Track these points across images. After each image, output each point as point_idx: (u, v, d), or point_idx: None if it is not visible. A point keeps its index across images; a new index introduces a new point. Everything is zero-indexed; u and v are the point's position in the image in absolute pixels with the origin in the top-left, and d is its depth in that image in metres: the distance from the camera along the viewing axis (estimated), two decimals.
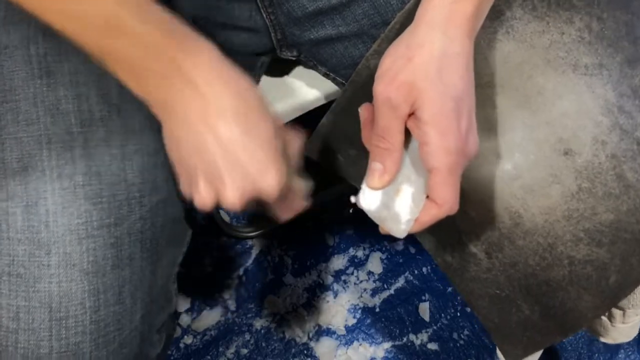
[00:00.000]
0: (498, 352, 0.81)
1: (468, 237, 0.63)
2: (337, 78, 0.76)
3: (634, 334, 0.80)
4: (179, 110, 0.52)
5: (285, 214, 0.61)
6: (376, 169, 0.56)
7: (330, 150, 0.70)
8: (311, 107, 0.85)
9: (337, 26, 0.70)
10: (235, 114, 0.51)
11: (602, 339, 0.79)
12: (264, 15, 0.70)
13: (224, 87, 0.51)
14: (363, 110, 0.59)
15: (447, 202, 0.54)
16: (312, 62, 0.76)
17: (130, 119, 0.60)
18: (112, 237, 0.58)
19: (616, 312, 0.74)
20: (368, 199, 0.57)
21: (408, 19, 0.63)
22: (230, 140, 0.51)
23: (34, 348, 0.56)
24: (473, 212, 0.62)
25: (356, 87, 0.67)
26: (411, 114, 0.53)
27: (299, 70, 0.85)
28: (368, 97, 0.66)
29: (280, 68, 0.85)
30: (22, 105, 0.58)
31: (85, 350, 0.57)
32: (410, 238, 1.31)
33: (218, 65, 0.52)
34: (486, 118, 0.62)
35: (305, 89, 0.84)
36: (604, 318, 0.77)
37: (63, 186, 0.57)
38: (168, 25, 0.50)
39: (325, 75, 0.77)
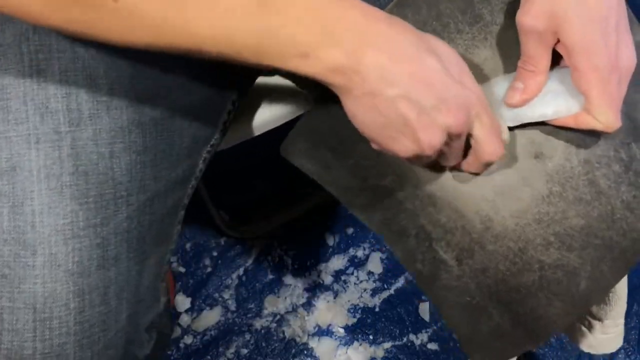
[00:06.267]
0: None
1: (438, 244, 0.63)
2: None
3: (618, 345, 0.79)
4: (363, 63, 0.51)
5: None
6: (518, 88, 0.59)
7: (305, 152, 0.70)
8: (293, 116, 0.84)
9: None
10: (418, 46, 0.52)
11: (585, 349, 0.78)
12: None
13: (398, 30, 0.52)
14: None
15: (606, 121, 0.56)
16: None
17: (119, 117, 0.60)
18: (98, 237, 0.58)
19: (595, 323, 0.73)
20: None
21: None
22: (427, 70, 0.52)
23: (17, 349, 0.57)
24: (444, 218, 0.62)
25: None
26: (559, 41, 0.56)
27: None
28: None
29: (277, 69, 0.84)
30: (12, 104, 0.58)
31: (70, 352, 0.57)
32: None
33: (379, 13, 0.52)
34: None
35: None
36: (584, 328, 0.76)
37: (50, 186, 0.57)
38: None
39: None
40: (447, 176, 0.62)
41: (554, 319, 0.60)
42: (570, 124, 0.59)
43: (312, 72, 0.51)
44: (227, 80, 0.73)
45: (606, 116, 0.56)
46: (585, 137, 0.60)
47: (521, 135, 0.61)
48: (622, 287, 0.71)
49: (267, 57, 0.51)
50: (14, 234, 0.57)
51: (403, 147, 0.54)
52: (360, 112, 0.54)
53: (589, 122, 0.57)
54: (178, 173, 0.66)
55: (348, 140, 0.66)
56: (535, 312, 0.60)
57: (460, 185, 0.62)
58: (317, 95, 0.69)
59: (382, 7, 0.66)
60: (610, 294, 0.71)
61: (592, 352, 0.78)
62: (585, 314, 0.74)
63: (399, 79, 0.51)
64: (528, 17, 0.56)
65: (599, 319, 0.72)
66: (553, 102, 0.58)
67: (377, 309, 1.26)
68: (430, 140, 0.53)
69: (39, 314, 0.56)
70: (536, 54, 0.57)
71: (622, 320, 0.74)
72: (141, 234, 0.62)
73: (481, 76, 0.63)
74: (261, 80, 0.83)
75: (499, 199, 0.60)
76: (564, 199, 0.59)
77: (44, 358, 0.57)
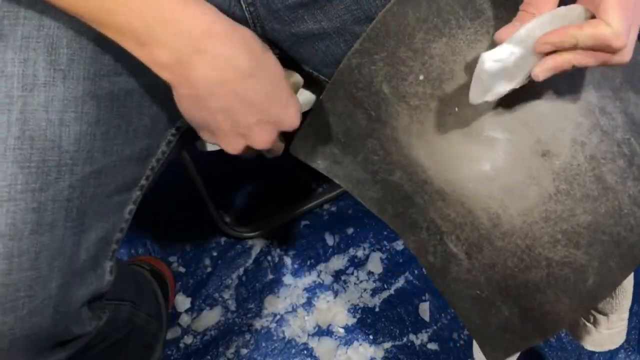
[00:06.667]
0: (475, 353, 0.81)
1: (449, 238, 0.63)
2: (321, 77, 0.76)
3: (621, 340, 0.79)
4: (191, 73, 0.55)
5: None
6: (514, 25, 0.57)
7: (314, 150, 0.70)
8: (305, 109, 0.84)
9: (318, 21, 0.69)
10: (251, 70, 0.57)
11: (589, 347, 0.78)
12: (243, 7, 0.70)
13: (236, 47, 0.56)
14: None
15: (617, 25, 0.52)
16: (295, 60, 0.76)
17: (75, 87, 0.60)
18: (34, 202, 0.58)
19: (601, 318, 0.73)
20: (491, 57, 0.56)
21: (390, 19, 0.63)
22: (253, 94, 0.57)
23: None
24: (453, 213, 0.62)
25: (338, 86, 0.67)
26: None
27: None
28: (350, 95, 0.66)
29: None
30: None
31: None
32: None
33: (224, 25, 0.57)
34: (464, 119, 0.62)
35: (302, 89, 0.84)
36: (589, 324, 0.76)
37: None
38: None
39: (308, 74, 0.77)
40: (455, 174, 0.62)
41: (562, 315, 0.60)
42: (580, 32, 0.53)
43: (144, 61, 0.55)
44: None
45: (618, 20, 0.51)
46: (590, 133, 0.60)
47: (528, 133, 0.61)
48: (628, 280, 0.72)
49: (108, 31, 0.55)
50: None
51: (210, 139, 0.62)
52: (183, 104, 0.58)
53: (598, 26, 0.52)
54: (134, 150, 0.66)
55: (356, 136, 0.67)
56: (543, 308, 0.61)
57: (468, 183, 0.62)
58: (322, 94, 0.70)
59: (380, 4, 0.67)
60: (617, 288, 0.72)
61: (597, 349, 0.78)
62: (593, 309, 0.74)
63: (223, 95, 0.56)
64: None
65: (605, 314, 0.72)
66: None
67: (377, 309, 1.26)
68: (233, 147, 0.61)
69: None
70: None
71: (626, 315, 0.74)
72: (82, 205, 0.61)
73: None
74: None
75: (507, 197, 0.60)
76: (571, 196, 0.59)
77: None
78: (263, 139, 0.60)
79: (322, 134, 0.69)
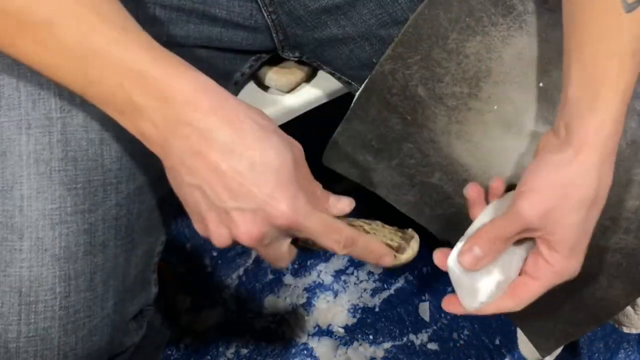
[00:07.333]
0: (519, 345, 0.81)
1: None
2: (343, 77, 0.76)
3: None
4: (176, 148, 0.49)
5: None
6: (475, 255, 0.55)
7: (347, 158, 0.70)
8: (312, 106, 0.84)
9: (342, 26, 0.70)
10: (232, 146, 0.49)
11: (626, 330, 0.80)
12: (265, 15, 0.70)
13: (219, 120, 0.49)
14: (470, 191, 0.60)
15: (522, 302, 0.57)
16: (316, 62, 0.76)
17: None
18: (85, 223, 0.58)
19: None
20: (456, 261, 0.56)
21: (422, 22, 0.63)
22: (230, 172, 0.48)
23: (1, 332, 0.56)
24: None
25: (370, 93, 0.66)
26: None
27: None
28: (383, 101, 0.66)
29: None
30: (5, 91, 0.58)
31: (54, 336, 0.57)
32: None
33: (211, 96, 0.49)
34: (505, 116, 0.62)
35: (306, 87, 0.84)
36: (628, 307, 0.77)
37: (39, 171, 0.57)
38: (152, 51, 0.49)
39: (330, 73, 0.77)
40: (499, 170, 0.62)
41: (616, 300, 0.61)
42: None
43: (127, 128, 0.51)
44: (222, 74, 0.73)
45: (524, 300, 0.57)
46: (628, 119, 0.60)
47: None
48: None
49: (89, 97, 0.51)
50: (2, 218, 0.57)
51: (196, 225, 0.53)
52: (169, 180, 0.52)
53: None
54: None
55: (391, 141, 0.67)
56: (596, 295, 0.61)
57: (512, 179, 0.62)
58: (353, 102, 0.69)
59: (406, 6, 0.67)
60: None
61: (633, 331, 0.79)
62: None
63: (198, 171, 0.49)
64: (533, 213, 0.53)
65: None
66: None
67: (377, 309, 1.27)
68: (217, 237, 0.52)
69: (24, 297, 0.56)
70: (511, 237, 0.55)
71: None
72: (130, 222, 0.62)
73: (520, 65, 0.63)
74: (267, 81, 0.83)
75: None
76: (617, 182, 0.59)
77: (28, 341, 0.57)
78: (245, 230, 0.50)
79: (354, 142, 0.69)
